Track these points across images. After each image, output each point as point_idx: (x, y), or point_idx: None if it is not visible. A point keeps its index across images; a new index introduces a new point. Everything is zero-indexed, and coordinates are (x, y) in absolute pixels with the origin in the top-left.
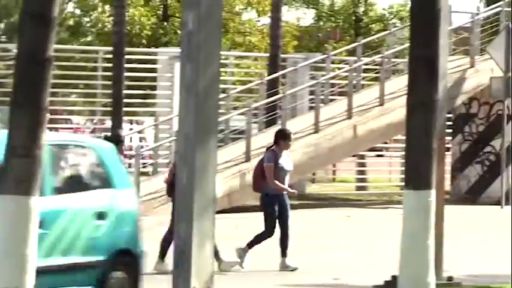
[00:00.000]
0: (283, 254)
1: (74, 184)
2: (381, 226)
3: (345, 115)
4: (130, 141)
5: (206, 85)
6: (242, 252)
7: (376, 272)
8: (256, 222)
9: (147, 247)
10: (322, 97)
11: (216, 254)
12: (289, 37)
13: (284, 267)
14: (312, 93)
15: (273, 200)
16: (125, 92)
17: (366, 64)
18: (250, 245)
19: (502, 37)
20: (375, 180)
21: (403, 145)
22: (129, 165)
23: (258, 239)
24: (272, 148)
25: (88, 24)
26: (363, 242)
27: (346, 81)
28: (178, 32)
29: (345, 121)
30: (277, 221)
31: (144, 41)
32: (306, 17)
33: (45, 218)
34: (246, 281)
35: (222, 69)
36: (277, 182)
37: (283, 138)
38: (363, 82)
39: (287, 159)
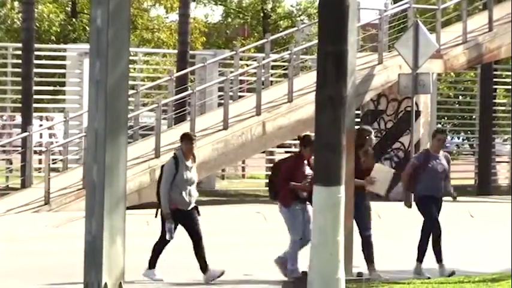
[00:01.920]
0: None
1: None
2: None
3: (253, 112)
4: (41, 137)
5: (115, 81)
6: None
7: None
8: None
9: (60, 243)
10: (231, 94)
11: (204, 265)
12: (197, 34)
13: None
14: (220, 89)
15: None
16: (35, 88)
17: (274, 61)
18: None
19: (410, 34)
20: None
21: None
22: (40, 161)
23: None
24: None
25: None
26: (273, 238)
27: (255, 78)
28: (87, 28)
29: (254, 118)
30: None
31: (53, 38)
32: (214, 13)
33: None
34: (157, 277)
35: (131, 66)
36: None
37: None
38: (271, 79)
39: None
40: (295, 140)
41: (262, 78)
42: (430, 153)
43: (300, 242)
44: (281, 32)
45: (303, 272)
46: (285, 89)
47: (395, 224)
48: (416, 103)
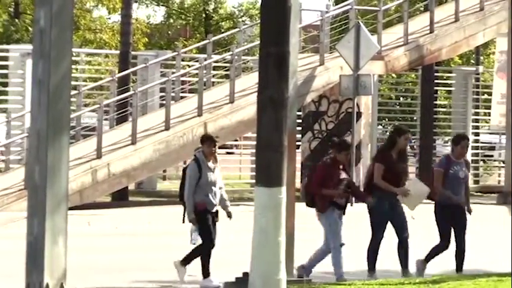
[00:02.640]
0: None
1: None
2: (233, 223)
3: (195, 112)
4: None
5: (58, 82)
6: None
7: (228, 269)
8: (108, 218)
9: (1, 244)
10: (172, 94)
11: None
12: (139, 34)
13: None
14: (162, 90)
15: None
16: None
17: (216, 62)
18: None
19: (351, 35)
20: (226, 177)
21: (254, 142)
22: None
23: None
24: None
25: None
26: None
27: (197, 79)
28: (30, 29)
29: (196, 118)
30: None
31: None
32: (156, 14)
33: None
34: (97, 276)
35: (73, 66)
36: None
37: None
38: (213, 79)
39: None
40: (236, 140)
41: (204, 79)
42: (452, 160)
43: (340, 249)
44: (223, 33)
45: (244, 272)
46: (227, 90)
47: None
48: (357, 104)
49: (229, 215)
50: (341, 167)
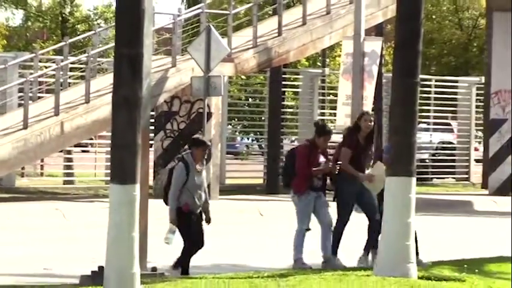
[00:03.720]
0: None
1: None
2: (88, 218)
3: (52, 112)
4: None
5: None
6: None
7: (84, 263)
8: None
9: None
10: (30, 94)
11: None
12: None
13: None
14: (21, 90)
15: None
16: None
17: (72, 63)
18: None
19: (203, 38)
20: (81, 175)
21: (109, 141)
22: None
23: None
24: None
25: None
26: (71, 233)
27: (54, 80)
28: None
29: (53, 118)
30: None
31: None
32: (15, 17)
33: None
34: None
35: None
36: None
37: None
38: (69, 80)
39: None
40: (91, 139)
41: (61, 80)
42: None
43: (305, 232)
44: (79, 35)
45: (99, 266)
46: (83, 90)
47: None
48: (208, 105)
49: (207, 221)
50: (319, 150)
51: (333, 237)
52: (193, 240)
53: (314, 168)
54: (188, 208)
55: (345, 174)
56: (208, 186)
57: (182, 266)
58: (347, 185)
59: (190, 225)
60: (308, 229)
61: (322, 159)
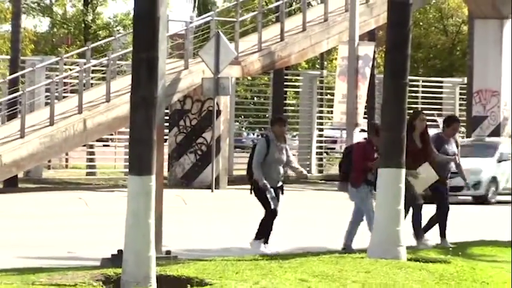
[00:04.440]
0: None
1: None
2: (109, 207)
3: (76, 110)
4: None
5: None
6: None
7: (105, 246)
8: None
9: None
10: (56, 94)
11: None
12: (27, 42)
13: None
14: (47, 90)
15: None
16: None
17: (94, 66)
18: None
19: (212, 43)
20: (102, 167)
21: (127, 136)
22: None
23: None
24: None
25: None
26: (93, 220)
27: (77, 81)
28: None
29: (76, 115)
30: None
31: None
32: (42, 24)
33: None
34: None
35: None
36: None
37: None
38: (92, 81)
39: None
40: (112, 135)
41: (84, 81)
42: (444, 138)
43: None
44: (100, 40)
45: (118, 250)
46: (104, 90)
47: (202, 208)
48: (217, 103)
49: (302, 174)
50: (375, 148)
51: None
52: (272, 209)
53: (369, 163)
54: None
55: None
56: (218, 177)
57: (263, 235)
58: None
59: (268, 197)
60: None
61: (376, 155)
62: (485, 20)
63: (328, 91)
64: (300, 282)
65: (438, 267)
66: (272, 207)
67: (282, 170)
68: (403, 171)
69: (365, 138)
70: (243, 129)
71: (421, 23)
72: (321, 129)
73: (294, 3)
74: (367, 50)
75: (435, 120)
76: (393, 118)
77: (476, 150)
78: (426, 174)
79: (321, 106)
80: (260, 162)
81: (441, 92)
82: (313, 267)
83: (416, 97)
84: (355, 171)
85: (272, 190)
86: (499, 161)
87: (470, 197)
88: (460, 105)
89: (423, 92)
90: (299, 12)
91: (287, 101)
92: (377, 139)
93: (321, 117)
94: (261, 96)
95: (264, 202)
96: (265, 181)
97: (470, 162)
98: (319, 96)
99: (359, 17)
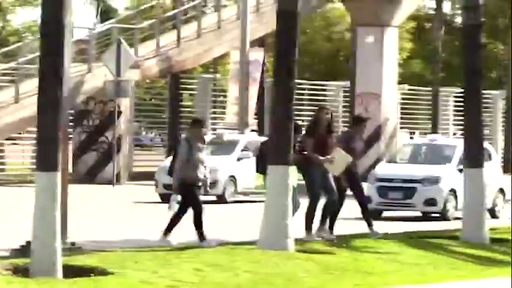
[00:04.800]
0: None
1: None
2: (17, 201)
3: None
4: None
5: None
6: None
7: (14, 239)
8: None
9: None
10: None
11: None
12: None
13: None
14: None
15: None
16: None
17: (4, 69)
18: None
19: (114, 48)
20: (11, 164)
21: (35, 135)
22: None
23: None
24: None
25: None
26: (3, 213)
27: None
28: None
29: None
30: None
31: None
32: None
33: None
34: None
35: None
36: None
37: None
38: (1, 84)
39: None
40: (20, 134)
41: None
42: (352, 136)
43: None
44: (10, 46)
45: (26, 241)
46: (13, 92)
47: (104, 203)
48: (118, 105)
49: (206, 191)
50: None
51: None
52: (201, 205)
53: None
54: (192, 180)
55: (310, 160)
56: (118, 173)
57: (198, 229)
58: (312, 169)
59: (195, 194)
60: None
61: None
62: (367, 27)
63: (221, 93)
64: (195, 271)
65: (324, 258)
66: (169, 209)
67: (203, 169)
68: (291, 168)
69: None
70: (142, 128)
71: (307, 31)
72: (214, 129)
73: (189, 12)
74: (257, 55)
75: None
76: (281, 118)
77: (215, 148)
78: (340, 157)
79: (215, 107)
80: (183, 163)
81: (326, 95)
82: (208, 257)
83: (303, 99)
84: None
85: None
86: (239, 159)
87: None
88: (344, 107)
89: (309, 94)
90: (194, 20)
91: (183, 103)
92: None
93: (214, 118)
94: (159, 98)
95: (193, 199)
96: (177, 186)
97: (208, 160)
98: (213, 98)
99: (250, 24)
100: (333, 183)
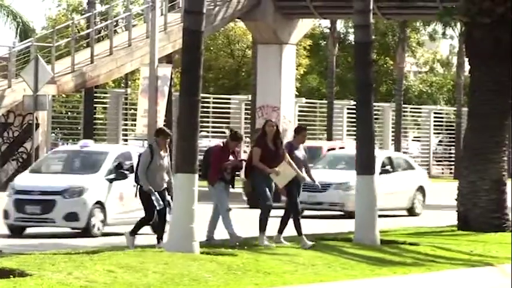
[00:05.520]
0: None
1: None
2: None
3: None
4: None
5: None
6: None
7: None
8: None
9: None
10: None
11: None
12: None
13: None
14: None
15: None
16: None
17: None
18: None
19: (32, 65)
20: None
21: None
22: None
23: None
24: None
25: None
26: None
27: None
28: None
29: None
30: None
31: None
32: None
33: None
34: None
35: None
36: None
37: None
38: None
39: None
40: None
41: None
42: (294, 145)
43: (228, 213)
44: None
45: None
46: None
47: None
48: (36, 117)
49: (171, 196)
50: (230, 151)
51: (261, 219)
52: (151, 213)
53: (226, 163)
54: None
55: (257, 169)
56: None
57: (135, 231)
58: (259, 178)
59: (151, 201)
60: (229, 209)
61: (231, 158)
62: (267, 45)
63: (132, 107)
64: (107, 272)
65: (227, 259)
66: (157, 208)
67: (165, 176)
68: (196, 176)
69: (223, 143)
70: (59, 139)
71: (211, 48)
72: (125, 140)
73: (102, 31)
74: (165, 71)
75: (224, 132)
76: (187, 130)
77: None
78: (284, 170)
79: (126, 120)
80: (145, 169)
81: (229, 108)
82: (119, 259)
83: (208, 112)
84: (212, 170)
85: (157, 193)
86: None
87: None
88: (246, 119)
89: (214, 107)
90: (107, 38)
91: (96, 115)
92: (233, 143)
93: (125, 130)
94: (74, 111)
95: (147, 205)
96: (150, 186)
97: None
98: (124, 111)
99: (158, 42)
100: (271, 193)
